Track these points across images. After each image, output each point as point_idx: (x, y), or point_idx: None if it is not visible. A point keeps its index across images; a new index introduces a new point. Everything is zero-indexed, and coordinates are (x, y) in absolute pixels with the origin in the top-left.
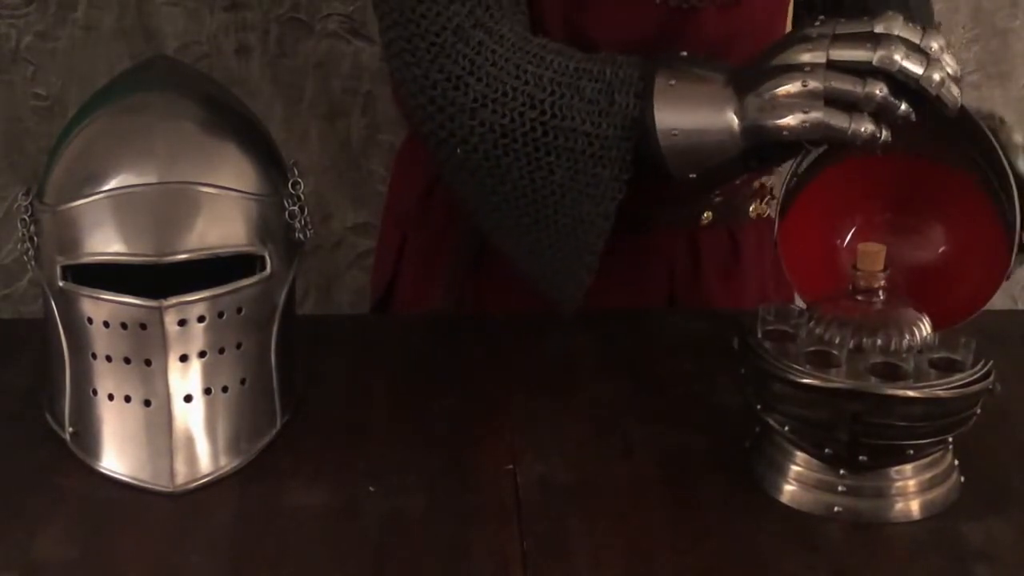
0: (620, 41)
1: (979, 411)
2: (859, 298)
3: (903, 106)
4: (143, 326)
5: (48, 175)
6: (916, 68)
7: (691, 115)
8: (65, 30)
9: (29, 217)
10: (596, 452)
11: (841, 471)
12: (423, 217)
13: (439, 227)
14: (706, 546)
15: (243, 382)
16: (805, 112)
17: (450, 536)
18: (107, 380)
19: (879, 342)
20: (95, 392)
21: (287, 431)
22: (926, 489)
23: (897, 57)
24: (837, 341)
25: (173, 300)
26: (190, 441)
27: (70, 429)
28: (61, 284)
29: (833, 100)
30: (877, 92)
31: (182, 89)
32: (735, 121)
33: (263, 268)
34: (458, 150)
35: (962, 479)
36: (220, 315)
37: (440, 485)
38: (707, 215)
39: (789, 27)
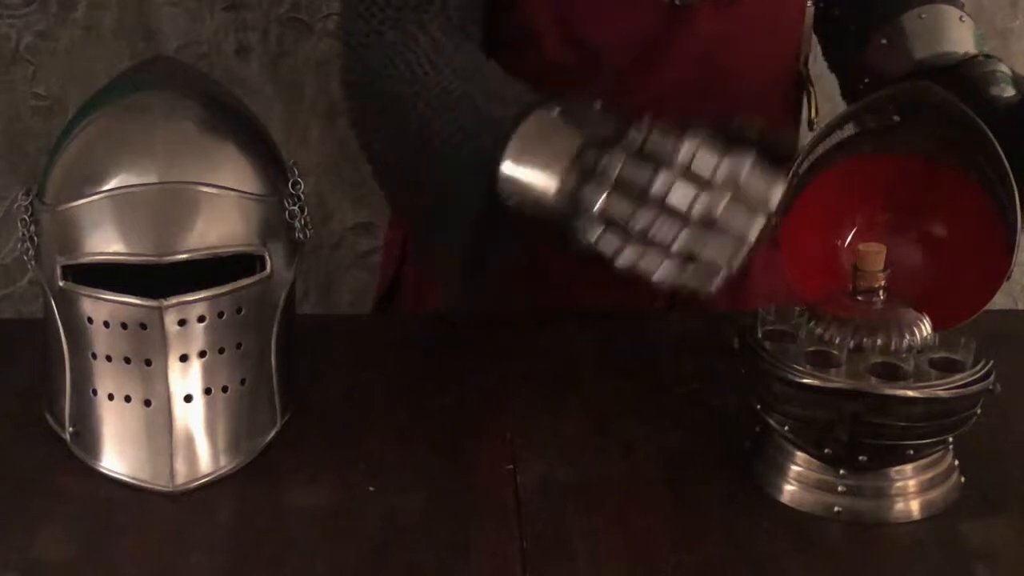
0: (613, 40)
1: (979, 411)
2: (859, 298)
3: (682, 241)
4: (143, 326)
5: (48, 175)
6: (693, 199)
7: (527, 174)
8: (65, 30)
9: (29, 217)
10: (596, 452)
11: (841, 471)
12: None
13: None
14: (706, 546)
15: (243, 382)
16: (588, 225)
17: (450, 536)
18: (107, 380)
19: (879, 342)
20: (95, 392)
21: (287, 431)
22: (926, 489)
23: (664, 184)
24: (837, 341)
25: (173, 300)
26: (190, 441)
27: (70, 429)
28: (61, 284)
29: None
30: (640, 223)
31: (182, 89)
32: (551, 205)
33: (263, 268)
34: (361, 123)
35: (962, 479)
36: (220, 315)
37: (440, 485)
38: None
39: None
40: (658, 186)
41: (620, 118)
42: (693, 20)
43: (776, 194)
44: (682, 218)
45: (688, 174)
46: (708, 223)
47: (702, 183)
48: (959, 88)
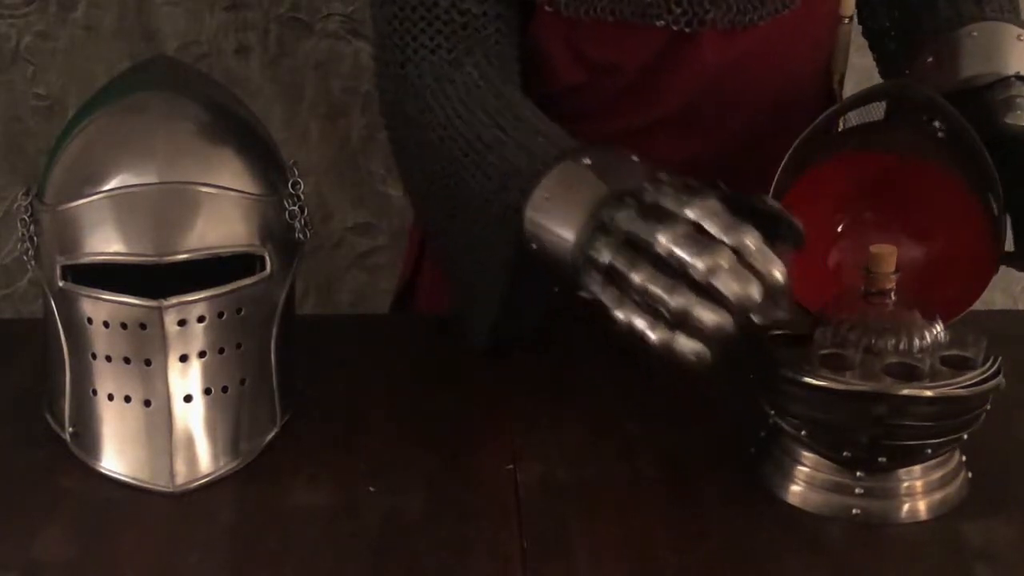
0: (620, 64)
1: (989, 408)
2: (871, 300)
3: (672, 303)
4: (143, 326)
5: (48, 175)
6: (685, 254)
7: (546, 233)
8: (65, 30)
9: (29, 217)
10: (596, 452)
11: (858, 473)
12: None
13: None
14: (706, 546)
15: (243, 382)
16: (590, 281)
17: (450, 536)
18: (107, 380)
19: (893, 343)
20: (95, 392)
21: (287, 431)
22: (935, 489)
23: (666, 241)
24: (851, 344)
25: (173, 300)
26: (190, 441)
27: (70, 429)
28: (61, 284)
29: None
30: (636, 279)
31: (182, 89)
32: (567, 260)
33: (263, 268)
34: (400, 158)
35: (969, 475)
36: (220, 315)
37: (440, 485)
38: None
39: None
40: (660, 242)
41: (651, 169)
42: (700, 46)
43: (776, 276)
44: (681, 281)
45: (693, 238)
46: (704, 290)
47: (704, 249)
48: (976, 111)
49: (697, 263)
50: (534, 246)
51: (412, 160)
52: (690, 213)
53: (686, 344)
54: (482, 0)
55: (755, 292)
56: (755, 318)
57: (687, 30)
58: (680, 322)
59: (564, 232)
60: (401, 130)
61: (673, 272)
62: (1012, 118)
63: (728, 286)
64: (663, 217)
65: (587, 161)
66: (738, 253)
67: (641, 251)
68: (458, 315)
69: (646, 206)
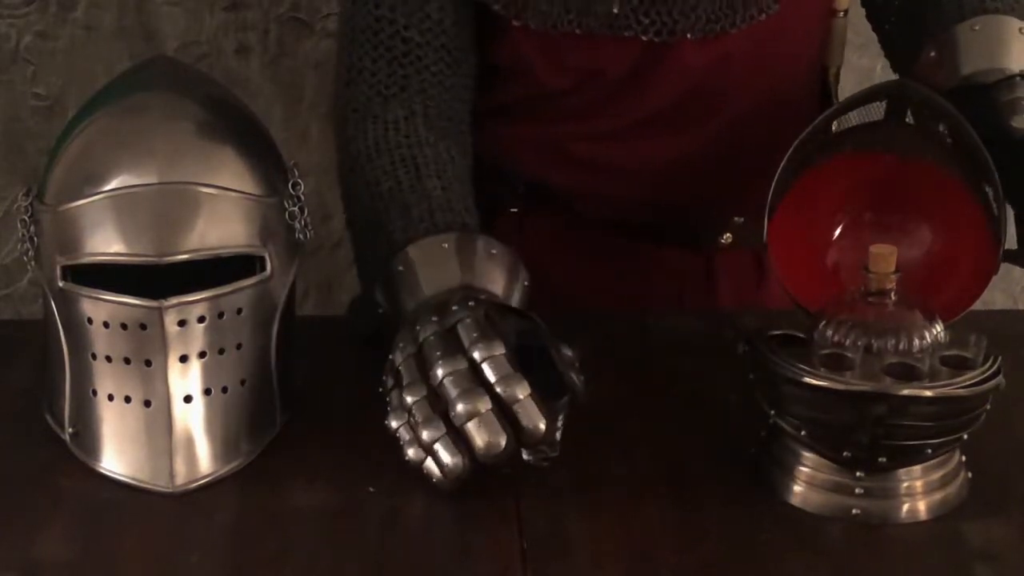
0: (601, 70)
1: (989, 408)
2: (871, 300)
3: (423, 434)
4: (143, 326)
5: (48, 175)
6: (451, 394)
7: (383, 297)
8: (65, 30)
9: (29, 217)
10: (596, 452)
11: (858, 473)
12: None
13: None
14: (706, 546)
15: (243, 382)
16: (387, 369)
17: (450, 536)
18: (107, 380)
19: (893, 343)
20: (95, 392)
21: (287, 431)
22: (935, 489)
23: (441, 374)
24: (850, 344)
25: (173, 300)
26: (190, 441)
27: (70, 429)
28: (61, 284)
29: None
30: (407, 398)
31: (182, 89)
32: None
33: (263, 268)
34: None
35: (969, 475)
36: (220, 315)
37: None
38: (727, 236)
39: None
40: (436, 372)
41: (512, 263)
42: (679, 51)
43: (536, 428)
44: (438, 416)
45: (464, 378)
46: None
47: (468, 393)
48: (980, 111)
49: (457, 405)
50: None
51: (340, 176)
52: (475, 353)
53: (432, 468)
54: (426, 30)
55: (501, 443)
56: (525, 455)
57: (657, 40)
58: (427, 451)
59: (393, 311)
60: (338, 141)
61: (439, 403)
62: (1018, 121)
63: (477, 434)
64: (450, 349)
65: (445, 246)
66: (504, 402)
67: (422, 372)
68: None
69: (446, 330)
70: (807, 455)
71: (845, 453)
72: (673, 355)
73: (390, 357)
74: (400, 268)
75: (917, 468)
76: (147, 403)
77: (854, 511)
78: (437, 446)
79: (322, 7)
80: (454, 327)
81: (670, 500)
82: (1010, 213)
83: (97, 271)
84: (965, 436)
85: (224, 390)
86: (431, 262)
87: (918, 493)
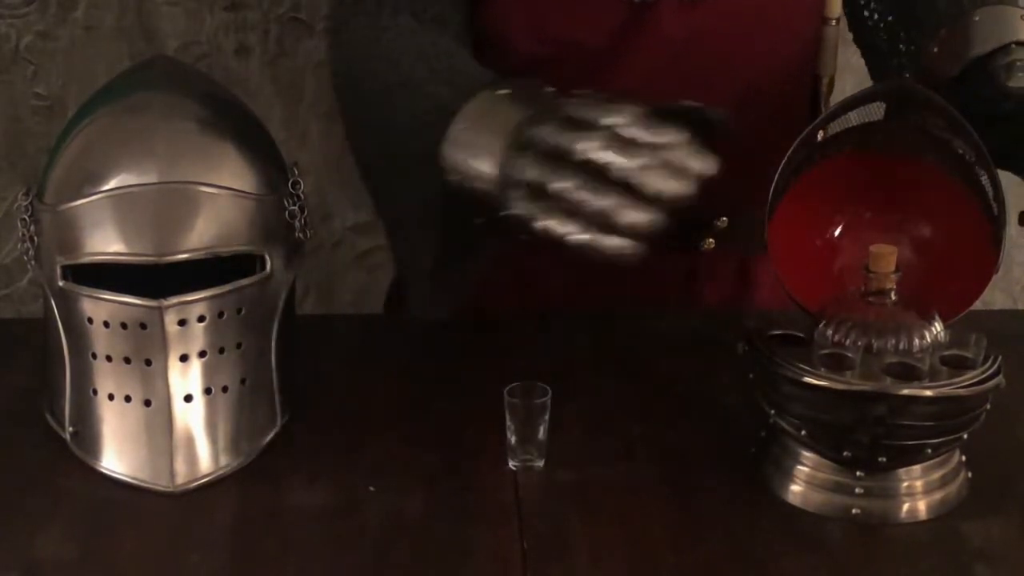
0: (581, 35)
1: (989, 407)
2: (871, 300)
3: (597, 204)
4: (143, 326)
5: (48, 175)
6: (615, 158)
7: (464, 161)
8: (65, 30)
9: (29, 217)
10: (596, 452)
11: (858, 473)
12: None
13: None
14: (706, 546)
15: (243, 382)
16: (511, 193)
17: (450, 536)
18: (107, 380)
19: (893, 343)
20: (95, 392)
21: (287, 431)
22: (935, 489)
23: (587, 146)
24: (850, 344)
25: (173, 300)
26: (190, 441)
27: (70, 429)
28: (61, 284)
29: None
30: (556, 186)
31: (182, 89)
32: (487, 182)
33: (263, 268)
34: (342, 102)
35: (969, 475)
36: (220, 315)
37: (440, 485)
38: (709, 241)
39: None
40: (578, 148)
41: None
42: (658, 19)
43: (702, 165)
44: (604, 183)
45: (616, 139)
46: (628, 188)
47: (627, 149)
48: (977, 80)
49: (622, 162)
50: (457, 180)
51: (353, 118)
52: (609, 119)
53: (608, 241)
54: None
55: (683, 188)
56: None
57: (646, 0)
58: (602, 223)
59: (484, 158)
60: (344, 83)
61: (596, 176)
62: (1014, 80)
63: (655, 183)
64: (583, 126)
65: (504, 91)
66: (662, 152)
67: (563, 161)
68: (402, 284)
69: (566, 120)
70: (807, 455)
71: (845, 453)
72: (673, 355)
73: (512, 177)
74: (463, 128)
75: (917, 468)
76: (147, 402)
77: (854, 511)
78: (618, 211)
79: (322, 7)
80: (572, 117)
81: (670, 500)
82: (1011, 214)
83: (97, 271)
84: (965, 436)
85: (224, 389)
86: (497, 107)
87: (918, 493)
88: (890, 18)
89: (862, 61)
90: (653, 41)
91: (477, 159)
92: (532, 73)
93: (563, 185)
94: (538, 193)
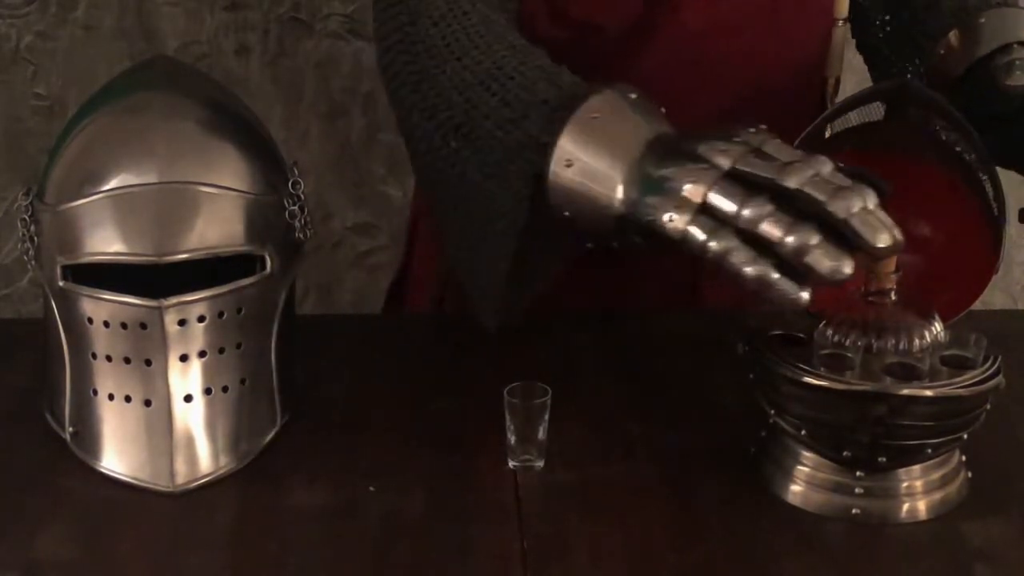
0: (601, 24)
1: (989, 408)
2: (871, 300)
3: (789, 240)
4: (143, 326)
5: (48, 175)
6: (820, 194)
7: (591, 154)
8: (65, 30)
9: (29, 217)
10: (596, 452)
11: (858, 473)
12: None
13: None
14: (706, 546)
15: (243, 382)
16: (674, 211)
17: (450, 536)
18: (107, 380)
19: (893, 343)
20: (95, 392)
21: (287, 431)
22: (935, 489)
23: (801, 176)
24: (850, 344)
25: (173, 300)
26: (190, 441)
27: (70, 429)
28: (61, 284)
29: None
30: (749, 213)
31: (182, 89)
32: (622, 181)
33: (263, 268)
34: (402, 123)
35: (969, 475)
36: (220, 315)
37: (440, 485)
38: None
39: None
40: (789, 181)
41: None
42: (678, 9)
43: (897, 235)
44: (803, 218)
45: (825, 181)
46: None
47: (839, 193)
48: (977, 80)
49: (833, 205)
50: (565, 179)
51: (415, 98)
52: (809, 165)
53: (786, 284)
54: None
55: (891, 240)
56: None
57: None
58: (791, 261)
59: (620, 158)
60: (402, 63)
61: (793, 210)
62: (1013, 79)
63: (867, 229)
64: (779, 159)
65: (633, 96)
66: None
67: (752, 187)
68: (468, 292)
69: (752, 148)
70: (807, 455)
71: (845, 453)
72: (673, 355)
73: (671, 185)
74: (594, 116)
75: (917, 468)
76: (147, 403)
77: (854, 511)
78: (814, 251)
79: (322, 7)
80: (757, 148)
81: (670, 500)
82: (1011, 215)
83: (97, 271)
84: (965, 436)
85: (224, 389)
86: (635, 108)
87: (918, 493)
88: (892, 20)
89: (862, 61)
90: (672, 31)
91: (606, 154)
92: (550, 55)
93: (754, 213)
94: (708, 208)
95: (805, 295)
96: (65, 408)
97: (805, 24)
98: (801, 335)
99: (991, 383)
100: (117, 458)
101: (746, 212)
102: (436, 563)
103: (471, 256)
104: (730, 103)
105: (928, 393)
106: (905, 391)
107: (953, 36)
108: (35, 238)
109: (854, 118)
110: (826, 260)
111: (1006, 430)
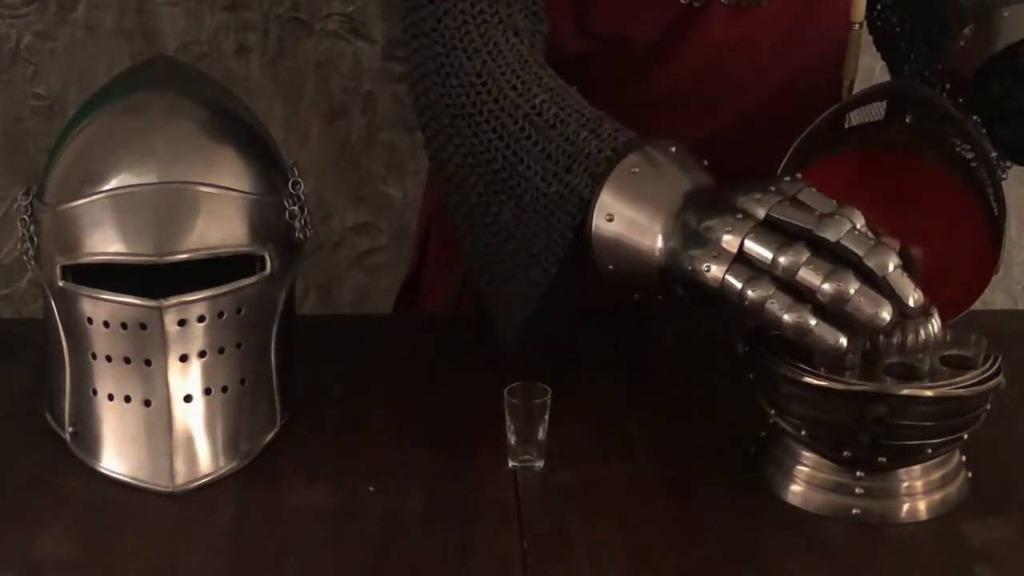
0: (627, 37)
1: (989, 408)
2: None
3: (827, 287)
4: (143, 326)
5: (48, 175)
6: (858, 248)
7: (632, 207)
8: (65, 30)
9: (29, 217)
10: (596, 452)
11: (858, 473)
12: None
13: None
14: (706, 546)
15: (243, 382)
16: (712, 260)
17: (450, 536)
18: (107, 380)
19: (895, 342)
20: (95, 392)
21: (287, 431)
22: (935, 489)
23: (838, 229)
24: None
25: (173, 300)
26: (190, 441)
27: (70, 429)
28: (61, 284)
29: (748, 261)
30: (785, 260)
31: (182, 89)
32: (662, 232)
33: (263, 268)
34: (433, 152)
35: (969, 475)
36: (220, 315)
37: (440, 485)
38: None
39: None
40: (826, 234)
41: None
42: (706, 23)
43: (913, 298)
44: (831, 265)
45: (863, 236)
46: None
47: (875, 249)
48: (1000, 71)
49: (867, 256)
50: (608, 233)
51: (451, 135)
52: (845, 218)
53: (825, 331)
54: None
55: (922, 301)
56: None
57: (696, 4)
58: (829, 308)
59: (660, 210)
60: (438, 98)
61: (830, 258)
62: None
63: (902, 287)
64: (815, 209)
65: (673, 149)
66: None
67: (790, 236)
68: (490, 313)
69: (788, 197)
70: (807, 455)
71: (845, 453)
72: (673, 355)
73: (710, 236)
74: (634, 171)
75: (917, 468)
76: (147, 403)
77: (854, 511)
78: (854, 299)
79: (322, 7)
80: (793, 199)
81: (670, 500)
82: (1011, 214)
83: (97, 271)
84: (965, 436)
85: (224, 390)
86: (674, 162)
87: (918, 493)
88: (909, 16)
89: (862, 61)
90: (699, 44)
91: (647, 209)
92: (577, 71)
93: (792, 260)
94: (745, 258)
95: (844, 341)
96: (65, 408)
97: (824, 32)
98: None
99: (991, 383)
100: (117, 458)
101: (783, 259)
102: (436, 563)
103: (500, 289)
104: (752, 109)
105: (928, 393)
106: (905, 391)
107: (970, 31)
108: (35, 238)
109: (854, 118)
110: (866, 307)
111: (1006, 430)
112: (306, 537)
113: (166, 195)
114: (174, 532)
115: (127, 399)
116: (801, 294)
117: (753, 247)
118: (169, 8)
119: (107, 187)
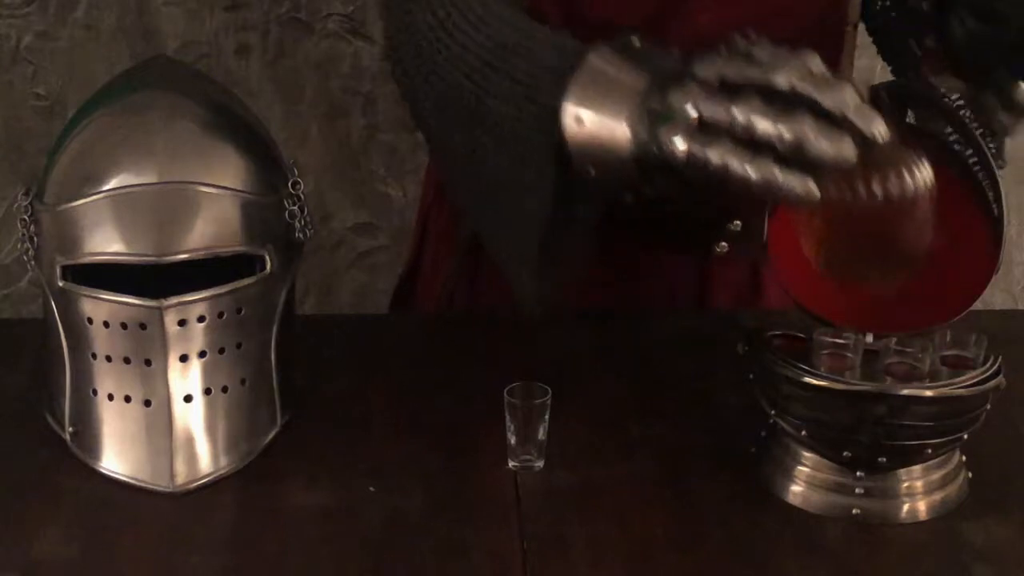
0: (613, 19)
1: (989, 408)
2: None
3: (786, 133)
4: (143, 326)
5: (48, 175)
6: (813, 90)
7: (597, 105)
8: (65, 30)
9: (29, 217)
10: (596, 452)
11: (858, 473)
12: (442, 199)
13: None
14: (706, 546)
15: (243, 382)
16: (677, 134)
17: (450, 536)
18: (107, 380)
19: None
20: (95, 392)
21: (287, 431)
22: (935, 489)
23: (788, 74)
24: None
25: (173, 300)
26: (190, 441)
27: (70, 429)
28: (61, 284)
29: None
30: (741, 115)
31: (182, 89)
32: (628, 123)
33: (263, 268)
34: (414, 104)
35: (969, 475)
36: (220, 315)
37: (440, 485)
38: (722, 245)
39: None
40: (776, 80)
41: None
42: (692, 11)
43: (878, 132)
44: (791, 110)
45: (811, 74)
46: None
47: (826, 85)
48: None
49: (822, 97)
50: (581, 136)
51: (426, 91)
52: (797, 61)
53: (792, 179)
54: None
55: (885, 130)
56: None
57: None
58: (792, 155)
59: (623, 101)
60: (410, 59)
61: (785, 103)
62: None
63: (865, 121)
64: (762, 61)
65: (635, 42)
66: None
67: (740, 91)
68: (506, 276)
69: (738, 54)
70: (807, 455)
71: (845, 453)
72: (673, 355)
73: (668, 113)
74: (592, 78)
75: (917, 468)
76: (147, 403)
77: (854, 511)
78: (811, 138)
79: (322, 7)
80: (744, 53)
81: (670, 500)
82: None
83: (97, 271)
84: (965, 436)
85: (224, 390)
86: (632, 54)
87: (918, 493)
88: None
89: (862, 61)
90: (684, 30)
91: (613, 104)
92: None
93: (746, 113)
94: (705, 125)
95: (814, 187)
96: (65, 408)
97: (817, 24)
98: (801, 335)
99: (991, 383)
100: (117, 458)
101: (738, 114)
102: (436, 563)
103: (507, 242)
104: None
105: (928, 393)
106: (905, 391)
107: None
108: (35, 238)
109: None
110: (828, 145)
111: (1006, 430)
112: (306, 537)
113: (166, 195)
114: (174, 532)
115: (127, 399)
116: (763, 149)
117: (708, 110)
118: (169, 8)
119: (107, 187)
